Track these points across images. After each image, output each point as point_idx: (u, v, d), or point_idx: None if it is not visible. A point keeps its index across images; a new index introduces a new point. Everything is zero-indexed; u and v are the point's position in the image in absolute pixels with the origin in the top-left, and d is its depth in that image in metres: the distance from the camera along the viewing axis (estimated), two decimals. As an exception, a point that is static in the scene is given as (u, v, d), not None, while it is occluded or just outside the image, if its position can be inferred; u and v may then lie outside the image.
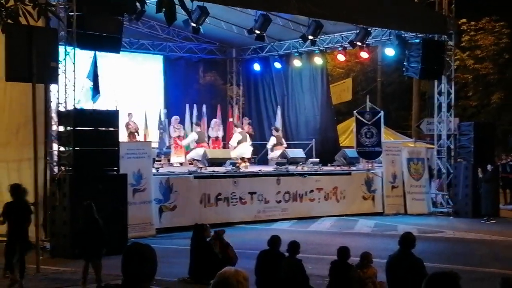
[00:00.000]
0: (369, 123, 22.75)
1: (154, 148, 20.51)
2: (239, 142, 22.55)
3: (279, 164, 21.61)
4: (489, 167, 21.12)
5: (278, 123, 25.15)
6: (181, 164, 22.25)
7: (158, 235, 16.70)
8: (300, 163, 22.14)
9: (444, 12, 22.79)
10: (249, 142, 22.92)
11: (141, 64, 25.06)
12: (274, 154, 23.47)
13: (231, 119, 25.03)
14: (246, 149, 22.56)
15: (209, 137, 23.03)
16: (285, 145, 23.79)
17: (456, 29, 24.14)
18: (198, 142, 22.37)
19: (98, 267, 11.48)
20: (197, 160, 21.62)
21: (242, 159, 22.02)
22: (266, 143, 24.41)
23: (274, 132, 24.02)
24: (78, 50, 15.61)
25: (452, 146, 22.66)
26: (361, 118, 22.90)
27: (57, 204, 14.65)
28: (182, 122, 23.03)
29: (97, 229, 11.55)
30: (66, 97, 15.46)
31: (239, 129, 23.23)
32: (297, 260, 9.88)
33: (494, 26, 35.46)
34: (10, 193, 11.69)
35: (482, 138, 21.96)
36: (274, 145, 23.75)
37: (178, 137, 22.53)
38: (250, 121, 25.08)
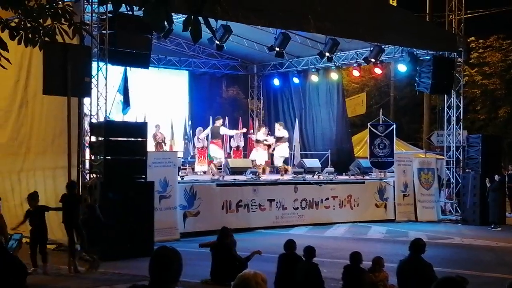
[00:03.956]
0: (382, 135, 22.67)
1: (179, 157, 20.57)
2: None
3: (296, 173, 21.62)
4: (496, 177, 20.95)
5: (296, 135, 25.05)
6: (204, 172, 22.29)
7: (182, 239, 16.71)
8: (317, 172, 22.11)
9: (454, 31, 22.71)
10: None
11: (168, 79, 25.18)
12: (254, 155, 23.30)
13: (251, 132, 24.83)
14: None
15: (194, 147, 22.66)
16: (270, 142, 23.57)
17: (465, 47, 23.97)
18: (212, 138, 22.35)
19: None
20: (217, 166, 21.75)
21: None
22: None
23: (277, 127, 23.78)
24: (109, 66, 15.72)
25: (460, 157, 22.50)
26: (375, 130, 22.83)
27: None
28: (205, 133, 23.06)
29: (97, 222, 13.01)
30: (98, 110, 15.58)
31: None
32: (314, 264, 9.86)
33: (501, 44, 35.23)
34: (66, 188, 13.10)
35: (490, 150, 21.81)
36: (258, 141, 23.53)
37: (202, 147, 22.57)
38: (269, 132, 25.06)
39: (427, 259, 9.01)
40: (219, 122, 22.62)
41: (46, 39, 6.92)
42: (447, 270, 11.56)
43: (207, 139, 22.33)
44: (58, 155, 15.33)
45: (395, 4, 30.39)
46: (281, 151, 23.21)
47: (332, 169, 22.68)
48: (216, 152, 22.31)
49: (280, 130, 23.57)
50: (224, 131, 22.83)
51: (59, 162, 15.19)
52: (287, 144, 23.63)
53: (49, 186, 15.73)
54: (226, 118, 23.67)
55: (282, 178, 21.65)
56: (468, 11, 25.83)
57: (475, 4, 30.54)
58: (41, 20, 6.77)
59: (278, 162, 23.19)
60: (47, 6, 6.73)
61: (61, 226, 13.38)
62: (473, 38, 34.07)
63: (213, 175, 21.05)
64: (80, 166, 15.11)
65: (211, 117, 23.45)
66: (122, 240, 14.09)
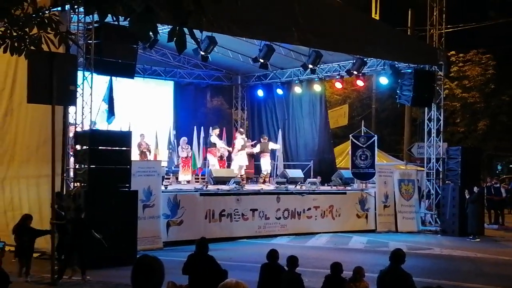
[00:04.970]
0: (364, 146, 22.74)
1: (163, 166, 20.52)
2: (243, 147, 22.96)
3: (279, 183, 21.65)
4: (475, 189, 21.07)
5: (279, 145, 25.08)
6: (188, 182, 22.25)
7: (165, 248, 16.65)
8: (299, 183, 22.13)
9: (435, 45, 22.88)
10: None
11: (153, 89, 25.14)
12: (263, 167, 23.54)
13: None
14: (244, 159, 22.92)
15: (178, 157, 22.81)
16: (269, 153, 23.84)
17: (446, 61, 24.18)
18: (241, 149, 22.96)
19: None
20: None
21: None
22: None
23: (261, 140, 24.05)
24: (95, 75, 15.69)
25: (440, 169, 22.63)
26: (356, 142, 22.90)
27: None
28: (190, 142, 23.03)
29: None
30: (83, 118, 15.52)
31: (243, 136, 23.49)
32: (297, 274, 9.83)
33: (481, 58, 35.55)
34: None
35: (469, 162, 21.95)
36: (261, 152, 23.78)
37: (186, 157, 22.56)
38: (253, 142, 25.11)
39: (407, 269, 9.03)
40: (215, 132, 22.83)
41: (32, 48, 6.88)
42: (426, 280, 11.61)
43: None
44: (42, 163, 15.23)
45: (377, 17, 30.56)
46: (240, 160, 23.06)
47: (319, 179, 22.74)
48: (212, 160, 22.69)
49: (262, 143, 23.78)
50: (214, 139, 22.89)
51: (43, 171, 15.08)
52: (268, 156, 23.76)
53: (32, 194, 15.63)
54: (210, 128, 23.63)
55: (264, 186, 21.70)
56: (448, 26, 26.02)
57: (456, 19, 30.81)
58: (27, 29, 6.73)
59: (236, 170, 22.80)
60: (34, 15, 6.70)
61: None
62: (453, 52, 34.35)
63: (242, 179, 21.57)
64: (64, 175, 15.02)
65: (195, 127, 23.44)
66: (105, 249, 13.97)
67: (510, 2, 37.36)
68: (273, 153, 24.65)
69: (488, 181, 27.38)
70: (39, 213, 14.64)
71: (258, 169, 25.03)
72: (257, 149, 23.99)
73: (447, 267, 15.49)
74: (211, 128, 23.26)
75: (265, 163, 23.62)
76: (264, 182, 23.10)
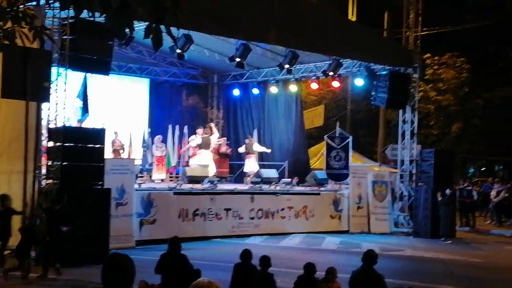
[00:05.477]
0: (338, 147, 22.85)
1: (137, 165, 20.41)
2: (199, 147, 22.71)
3: (253, 183, 21.65)
4: (447, 191, 21.26)
5: (264, 147, 24.95)
6: (162, 180, 22.16)
7: (137, 247, 16.53)
8: (273, 183, 22.15)
9: (410, 47, 23.07)
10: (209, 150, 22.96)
11: (129, 86, 24.98)
12: (248, 168, 23.61)
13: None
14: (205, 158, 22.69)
15: (152, 155, 22.60)
16: (255, 154, 23.94)
17: (421, 63, 24.40)
18: (201, 147, 22.51)
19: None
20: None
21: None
22: (243, 163, 24.44)
23: (246, 141, 24.17)
24: (69, 71, 15.55)
25: (414, 171, 22.81)
26: (331, 143, 22.99)
27: (43, 215, 14.49)
28: (164, 141, 22.95)
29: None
30: (56, 115, 15.35)
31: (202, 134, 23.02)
32: (269, 274, 9.84)
33: (455, 61, 35.87)
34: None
35: (442, 165, 22.14)
36: (246, 153, 23.86)
37: (160, 155, 22.47)
38: (228, 142, 25.11)
39: (379, 270, 9.09)
40: (203, 133, 22.97)
41: (6, 42, 6.80)
42: (398, 281, 11.68)
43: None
44: (14, 159, 15.03)
45: (354, 19, 30.71)
46: (200, 159, 22.77)
47: (296, 179, 22.69)
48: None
49: (248, 144, 24.00)
50: (155, 152, 22.72)
51: (14, 167, 14.90)
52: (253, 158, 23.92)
53: (3, 191, 15.40)
54: (185, 127, 23.51)
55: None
56: (424, 29, 26.26)
57: (431, 22, 31.07)
58: (1, 23, 6.64)
59: (194, 170, 22.17)
60: (8, 9, 6.62)
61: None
62: (428, 55, 34.61)
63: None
64: (37, 171, 14.87)
65: (170, 125, 23.34)
66: (77, 247, 13.87)
67: (484, 6, 37.85)
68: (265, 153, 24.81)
69: (460, 184, 27.67)
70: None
71: (232, 169, 25.08)
72: (242, 150, 24.03)
73: (419, 268, 15.63)
74: (200, 128, 23.12)
75: (250, 164, 23.64)
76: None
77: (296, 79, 24.90)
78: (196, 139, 22.81)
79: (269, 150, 24.71)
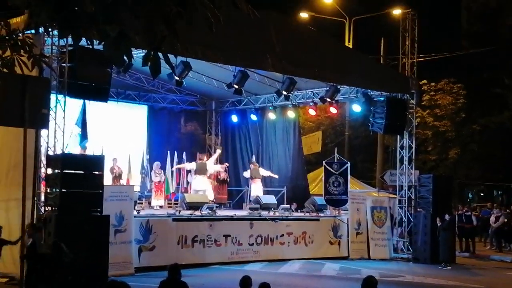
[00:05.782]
0: (337, 173, 22.82)
1: (136, 191, 20.36)
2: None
3: (252, 209, 21.59)
4: (446, 216, 21.21)
5: (269, 172, 25.00)
6: (160, 207, 22.09)
7: (136, 274, 16.44)
8: (272, 209, 22.08)
9: (407, 74, 23.17)
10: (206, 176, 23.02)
11: (127, 113, 25.02)
12: (254, 192, 23.67)
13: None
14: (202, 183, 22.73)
15: (151, 181, 22.68)
16: (261, 178, 24.13)
17: (418, 89, 24.52)
18: (196, 172, 22.61)
19: None
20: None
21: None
22: (242, 189, 24.42)
23: (251, 166, 24.25)
24: (68, 98, 15.58)
25: (412, 197, 22.76)
26: (330, 168, 22.97)
27: (42, 242, 14.40)
28: (163, 167, 22.93)
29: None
30: (55, 142, 15.35)
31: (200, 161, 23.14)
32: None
33: (452, 87, 36.07)
34: None
35: (440, 190, 22.11)
36: (251, 178, 23.96)
37: (159, 182, 22.44)
38: (226, 167, 25.07)
39: (379, 296, 9.01)
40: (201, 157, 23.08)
41: (5, 70, 6.83)
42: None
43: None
44: (12, 187, 15.01)
45: (351, 46, 30.91)
46: (195, 185, 22.82)
47: (295, 206, 22.69)
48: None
49: (253, 169, 24.10)
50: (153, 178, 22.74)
51: (13, 194, 14.86)
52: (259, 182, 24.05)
53: (1, 218, 15.36)
54: (184, 153, 23.56)
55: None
56: (420, 55, 26.40)
57: (428, 49, 31.27)
58: (0, 51, 6.68)
59: (192, 196, 21.96)
60: (7, 37, 6.66)
61: (13, 259, 13.04)
62: (425, 81, 34.83)
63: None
64: (35, 199, 14.81)
65: (168, 152, 23.34)
66: (76, 274, 13.75)
67: (480, 33, 38.12)
68: (265, 179, 24.80)
69: (459, 209, 27.60)
70: (8, 238, 14.37)
71: (231, 195, 25.05)
72: (247, 174, 24.07)
73: (419, 294, 15.52)
74: (198, 154, 23.30)
75: (256, 189, 23.64)
76: None
77: (293, 105, 24.97)
78: (190, 164, 22.98)
79: (276, 176, 24.70)
